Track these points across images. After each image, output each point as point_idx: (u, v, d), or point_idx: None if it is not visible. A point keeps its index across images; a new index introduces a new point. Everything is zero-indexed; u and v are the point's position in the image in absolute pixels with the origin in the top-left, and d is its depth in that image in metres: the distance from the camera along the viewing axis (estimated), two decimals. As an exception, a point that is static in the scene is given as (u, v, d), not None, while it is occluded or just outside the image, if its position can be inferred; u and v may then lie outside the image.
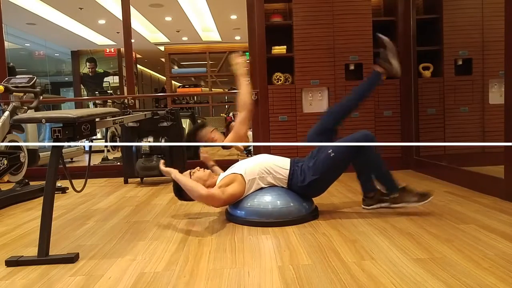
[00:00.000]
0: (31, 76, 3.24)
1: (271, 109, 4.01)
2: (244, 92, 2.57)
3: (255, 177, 2.30)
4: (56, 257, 1.72)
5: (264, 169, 2.32)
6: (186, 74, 10.02)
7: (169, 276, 1.53)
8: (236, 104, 2.60)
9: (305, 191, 2.34)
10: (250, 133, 4.57)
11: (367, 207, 2.48)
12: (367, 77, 2.56)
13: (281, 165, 2.35)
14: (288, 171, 2.32)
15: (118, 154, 5.32)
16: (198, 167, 2.47)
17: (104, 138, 5.38)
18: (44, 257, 1.70)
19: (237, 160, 2.66)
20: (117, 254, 1.82)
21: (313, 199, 2.43)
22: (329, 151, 2.28)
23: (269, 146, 4.02)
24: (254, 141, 4.36)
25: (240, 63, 2.60)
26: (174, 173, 2.29)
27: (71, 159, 6.13)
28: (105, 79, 8.82)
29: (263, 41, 4.02)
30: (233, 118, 8.54)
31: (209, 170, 2.46)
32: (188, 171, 2.44)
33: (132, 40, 4.48)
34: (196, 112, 8.35)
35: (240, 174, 2.29)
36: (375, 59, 3.94)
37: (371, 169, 2.41)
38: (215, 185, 2.33)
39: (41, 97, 3.28)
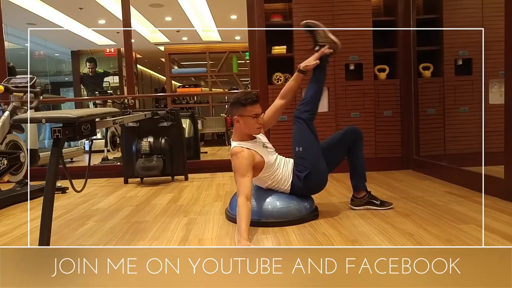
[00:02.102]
0: (31, 76, 3.24)
1: (271, 109, 4.00)
2: (298, 84, 2.47)
3: (265, 177, 2.27)
4: (56, 257, 1.71)
5: (276, 178, 2.29)
6: (186, 74, 10.01)
7: (169, 276, 1.53)
8: (282, 91, 2.45)
9: (306, 191, 2.34)
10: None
11: (354, 207, 2.49)
12: (319, 67, 2.40)
13: (288, 177, 2.31)
14: (290, 183, 2.31)
15: (118, 154, 5.32)
16: (261, 120, 2.27)
17: (104, 138, 5.38)
18: (44, 257, 1.70)
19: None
20: (117, 254, 1.81)
21: (313, 199, 2.43)
22: (296, 150, 2.33)
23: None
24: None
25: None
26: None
27: (71, 159, 6.13)
28: (105, 79, 8.82)
29: (263, 41, 4.01)
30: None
31: (257, 131, 2.27)
32: (260, 111, 2.25)
33: (132, 40, 4.48)
34: (196, 112, 8.34)
35: (264, 167, 2.22)
36: (376, 59, 3.97)
37: (361, 167, 2.47)
38: (247, 139, 2.26)
39: (41, 97, 3.28)
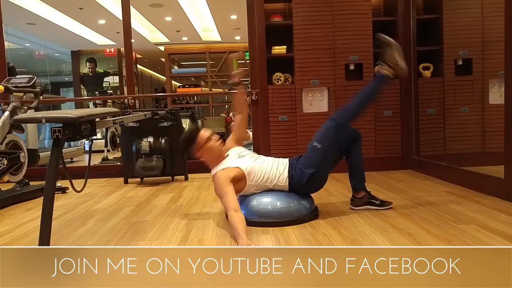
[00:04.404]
0: (31, 76, 3.24)
1: (271, 109, 4.01)
2: (242, 93, 2.58)
3: (256, 184, 2.28)
4: (56, 257, 1.71)
5: (267, 177, 2.29)
6: (186, 74, 10.01)
7: (169, 276, 1.53)
8: (234, 106, 2.59)
9: (306, 189, 2.34)
10: (250, 133, 4.57)
11: (354, 208, 2.49)
12: (372, 82, 2.43)
13: (282, 172, 2.31)
14: (288, 177, 2.31)
15: (118, 154, 5.32)
16: (217, 137, 2.35)
17: (104, 138, 5.38)
18: (44, 257, 1.70)
19: None
20: (117, 254, 1.81)
21: (313, 199, 2.43)
22: (314, 144, 2.33)
23: (270, 145, 4.03)
24: (254, 141, 4.35)
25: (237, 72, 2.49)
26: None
27: (71, 159, 6.13)
28: (105, 79, 8.81)
29: (263, 41, 4.01)
30: (233, 119, 8.54)
31: (221, 148, 2.34)
32: (210, 132, 2.33)
33: (132, 40, 4.48)
34: (196, 112, 8.34)
35: (244, 175, 2.25)
36: (376, 59, 3.97)
37: (360, 168, 2.47)
38: (219, 161, 2.30)
39: (41, 97, 3.28)
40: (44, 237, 1.71)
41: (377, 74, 2.43)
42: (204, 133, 2.33)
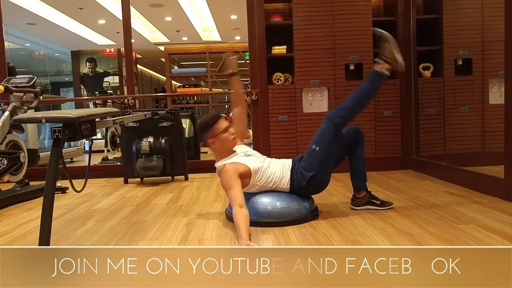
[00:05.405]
0: (31, 76, 3.24)
1: (271, 109, 4.01)
2: (239, 87, 2.56)
3: (259, 184, 2.28)
4: (56, 257, 1.71)
5: (271, 179, 2.29)
6: (186, 74, 10.01)
7: (169, 276, 1.53)
8: (231, 101, 2.54)
9: (306, 191, 2.34)
10: (250, 132, 4.57)
11: (355, 207, 2.49)
12: (368, 79, 2.39)
13: (285, 175, 2.30)
14: (290, 180, 2.30)
15: (118, 154, 5.32)
16: (233, 130, 2.32)
17: (104, 138, 5.38)
18: (44, 257, 1.69)
19: None
20: (117, 254, 1.81)
21: (313, 199, 2.43)
22: (312, 147, 2.31)
23: (270, 146, 4.03)
24: (254, 141, 4.35)
25: (232, 60, 2.49)
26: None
27: (71, 159, 6.13)
28: (105, 79, 8.81)
29: (263, 41, 4.01)
30: (232, 117, 8.53)
31: (234, 142, 2.32)
32: (228, 124, 2.31)
33: (132, 40, 4.48)
34: (196, 112, 8.34)
35: (251, 174, 2.23)
36: (375, 59, 3.96)
37: (362, 167, 2.47)
38: (227, 155, 2.30)
39: (41, 97, 3.28)
40: (44, 237, 1.71)
41: (372, 71, 2.38)
42: (223, 122, 2.30)
